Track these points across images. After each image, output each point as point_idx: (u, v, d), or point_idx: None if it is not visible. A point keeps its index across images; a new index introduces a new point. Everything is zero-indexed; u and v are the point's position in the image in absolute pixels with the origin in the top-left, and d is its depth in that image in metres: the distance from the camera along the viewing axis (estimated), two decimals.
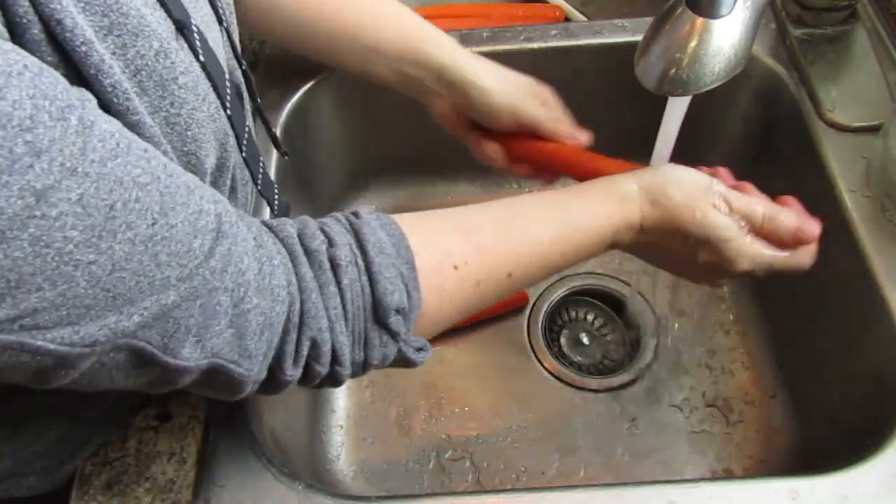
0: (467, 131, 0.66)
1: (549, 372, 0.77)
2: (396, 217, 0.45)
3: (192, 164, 0.41)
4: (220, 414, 0.54)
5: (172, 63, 0.38)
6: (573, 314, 0.82)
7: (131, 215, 0.31)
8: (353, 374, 0.44)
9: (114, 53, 0.35)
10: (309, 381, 0.43)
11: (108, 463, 0.52)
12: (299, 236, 0.42)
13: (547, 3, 0.92)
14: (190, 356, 0.36)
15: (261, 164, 0.53)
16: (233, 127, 0.46)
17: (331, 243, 0.42)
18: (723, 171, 0.57)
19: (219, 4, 0.47)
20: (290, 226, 0.42)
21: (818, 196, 0.67)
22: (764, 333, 0.77)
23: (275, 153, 0.71)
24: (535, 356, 0.78)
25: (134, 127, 0.35)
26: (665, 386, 0.75)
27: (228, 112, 0.44)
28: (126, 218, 0.30)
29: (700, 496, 0.50)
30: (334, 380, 0.43)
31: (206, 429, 0.54)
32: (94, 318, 0.31)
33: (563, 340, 0.80)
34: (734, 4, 0.49)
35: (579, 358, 0.79)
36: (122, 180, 0.30)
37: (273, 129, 0.63)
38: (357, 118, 0.82)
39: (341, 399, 0.76)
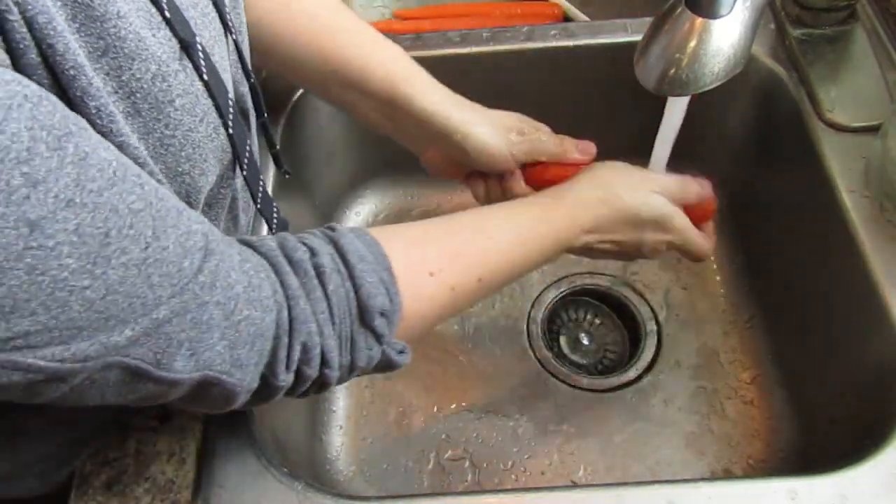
0: (463, 176, 0.64)
1: (549, 372, 0.77)
2: (375, 231, 0.47)
3: (185, 183, 0.42)
4: (220, 414, 0.54)
5: (170, 86, 0.38)
6: (573, 314, 0.82)
7: (125, 241, 0.31)
8: (340, 379, 0.45)
9: (108, 74, 0.35)
10: (299, 387, 0.44)
11: (108, 463, 0.52)
12: (281, 248, 0.43)
13: (547, 1, 0.92)
14: (183, 369, 0.36)
15: (261, 183, 0.53)
16: (234, 146, 0.46)
17: (313, 253, 0.43)
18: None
19: (228, 18, 0.47)
20: (270, 240, 0.44)
21: (817, 196, 0.67)
22: (763, 333, 0.77)
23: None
24: (535, 356, 0.78)
25: (118, 149, 0.35)
26: (664, 386, 0.75)
27: (230, 131, 0.45)
28: (120, 244, 0.31)
29: (699, 496, 0.50)
30: (323, 383, 0.44)
31: (205, 429, 0.54)
32: (86, 338, 0.31)
33: (562, 340, 0.80)
34: (733, 4, 0.49)
35: (579, 358, 0.79)
36: (118, 208, 0.31)
37: (276, 147, 0.63)
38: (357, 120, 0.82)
39: (341, 399, 0.76)
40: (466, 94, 0.83)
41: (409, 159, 0.89)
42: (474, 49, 0.76)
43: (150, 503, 0.50)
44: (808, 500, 0.49)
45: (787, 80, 0.72)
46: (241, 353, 0.39)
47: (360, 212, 0.89)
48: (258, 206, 0.53)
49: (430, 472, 0.71)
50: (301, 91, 0.75)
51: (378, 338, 0.45)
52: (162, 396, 0.38)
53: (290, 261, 0.42)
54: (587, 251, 0.59)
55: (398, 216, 0.89)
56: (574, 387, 0.76)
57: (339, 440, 0.73)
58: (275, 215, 0.56)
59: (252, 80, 0.53)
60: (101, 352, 0.32)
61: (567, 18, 0.91)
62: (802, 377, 0.72)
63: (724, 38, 0.50)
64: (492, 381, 0.77)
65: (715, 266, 0.83)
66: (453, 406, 0.75)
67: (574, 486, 0.69)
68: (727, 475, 0.69)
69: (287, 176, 0.67)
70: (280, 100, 0.74)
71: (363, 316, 0.43)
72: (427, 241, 0.50)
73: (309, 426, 0.72)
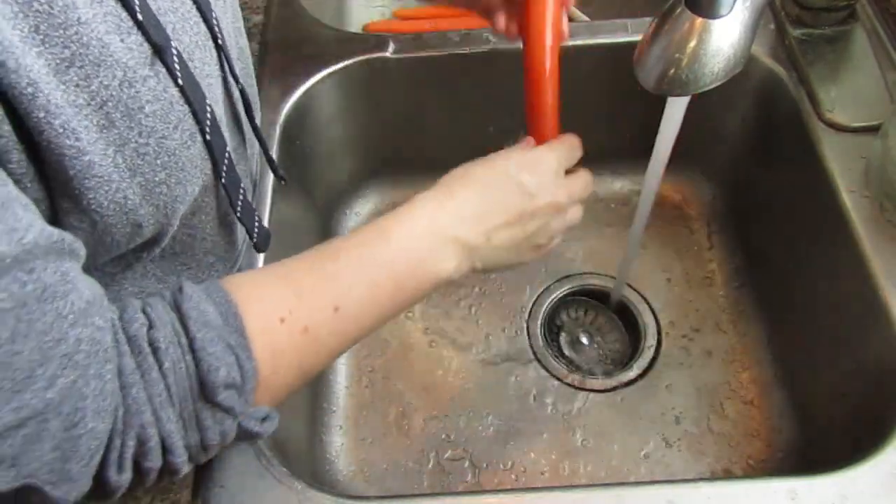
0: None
1: (549, 372, 0.77)
2: (226, 280, 0.43)
3: (163, 194, 0.41)
4: None
5: (138, 92, 0.37)
6: (573, 314, 0.82)
7: None
8: (194, 460, 0.41)
9: (77, 86, 0.34)
10: (145, 480, 0.39)
11: None
12: (120, 321, 0.38)
13: None
14: (2, 478, 0.32)
15: (241, 191, 0.51)
16: (211, 153, 0.44)
17: (151, 325, 0.39)
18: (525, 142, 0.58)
19: (214, 23, 0.46)
20: (108, 311, 0.38)
21: (817, 196, 0.67)
22: (763, 333, 0.77)
23: (276, 151, 0.71)
24: (535, 356, 0.78)
25: (86, 168, 0.35)
26: (664, 386, 0.75)
27: (207, 137, 0.43)
28: None
29: (699, 496, 0.50)
30: (172, 471, 0.40)
31: None
32: None
33: (562, 340, 0.80)
34: (733, 4, 0.49)
35: (579, 358, 0.79)
36: None
37: (270, 153, 0.62)
38: (357, 118, 0.82)
39: (341, 399, 0.76)
40: (466, 94, 0.83)
41: (410, 159, 0.89)
42: (474, 49, 0.76)
43: (150, 503, 0.50)
44: (808, 500, 0.49)
45: (787, 80, 0.72)
46: (73, 466, 0.35)
47: (360, 212, 0.89)
48: (238, 214, 0.52)
49: (430, 472, 0.71)
50: (301, 91, 0.76)
51: (228, 411, 0.40)
52: None
53: (128, 338, 0.38)
54: (476, 252, 0.51)
55: None
56: (574, 387, 0.76)
57: (339, 440, 0.73)
58: (256, 225, 0.55)
59: (240, 86, 0.52)
60: None
61: (568, 20, 0.91)
62: (802, 377, 0.72)
63: (724, 38, 0.50)
64: (492, 381, 0.77)
65: (715, 266, 0.83)
66: (453, 406, 0.75)
67: (574, 486, 0.69)
68: (727, 475, 0.69)
69: (283, 183, 0.67)
70: (280, 100, 0.74)
71: (205, 392, 0.39)
72: (275, 282, 0.45)
73: (309, 426, 0.72)
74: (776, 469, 0.69)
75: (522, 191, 0.52)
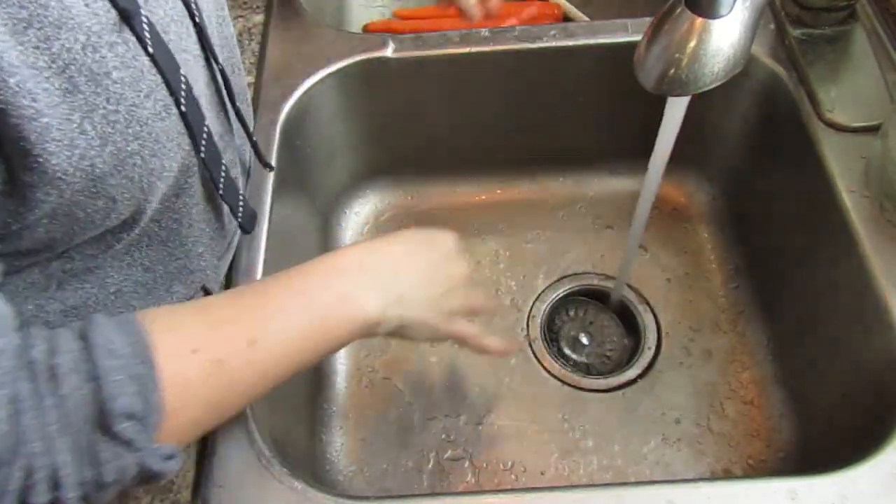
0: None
1: (549, 372, 0.77)
2: (141, 312, 0.42)
3: (137, 165, 0.40)
4: None
5: (104, 57, 0.37)
6: (572, 314, 0.82)
7: None
8: (88, 498, 0.38)
9: (37, 48, 0.34)
10: None
11: None
12: (23, 345, 0.37)
13: (546, 1, 0.92)
14: None
15: (223, 168, 0.50)
16: (188, 126, 0.44)
17: (52, 351, 0.37)
18: None
19: (190, 1, 0.46)
20: (12, 333, 0.37)
21: (817, 196, 0.67)
22: (763, 333, 0.77)
23: (275, 151, 0.71)
24: (535, 356, 0.78)
25: (44, 131, 0.34)
26: (664, 386, 0.75)
27: (182, 109, 0.42)
28: None
29: (699, 496, 0.50)
30: None
31: None
32: None
33: (562, 340, 0.80)
34: (733, 4, 0.49)
35: (578, 357, 0.79)
36: None
37: (254, 138, 0.61)
38: (358, 118, 0.82)
39: (341, 399, 0.76)
40: (466, 93, 0.83)
41: (410, 159, 0.89)
42: (474, 49, 0.76)
43: (150, 503, 0.50)
44: (807, 500, 0.49)
45: (787, 80, 0.72)
46: None
47: (359, 212, 0.89)
48: (220, 192, 0.51)
49: (429, 472, 0.71)
50: (301, 91, 0.76)
51: (127, 444, 0.37)
52: None
53: (28, 362, 0.36)
54: (401, 299, 0.50)
55: (398, 216, 0.89)
56: (574, 387, 0.76)
57: (339, 440, 0.73)
58: (241, 204, 0.54)
59: (220, 66, 0.51)
60: None
61: (567, 18, 0.91)
62: (802, 377, 0.72)
63: (724, 38, 0.50)
64: (492, 381, 0.77)
65: (715, 266, 0.83)
66: (453, 406, 0.75)
67: (574, 486, 0.69)
68: (727, 475, 0.69)
69: (270, 170, 0.66)
70: (280, 100, 0.74)
71: (103, 421, 0.36)
72: (192, 314, 0.44)
73: (309, 426, 0.72)
74: (776, 469, 0.69)
75: (439, 256, 0.54)
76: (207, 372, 0.41)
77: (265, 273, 0.62)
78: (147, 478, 0.40)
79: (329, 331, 0.47)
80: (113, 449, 0.37)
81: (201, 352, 0.41)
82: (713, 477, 0.69)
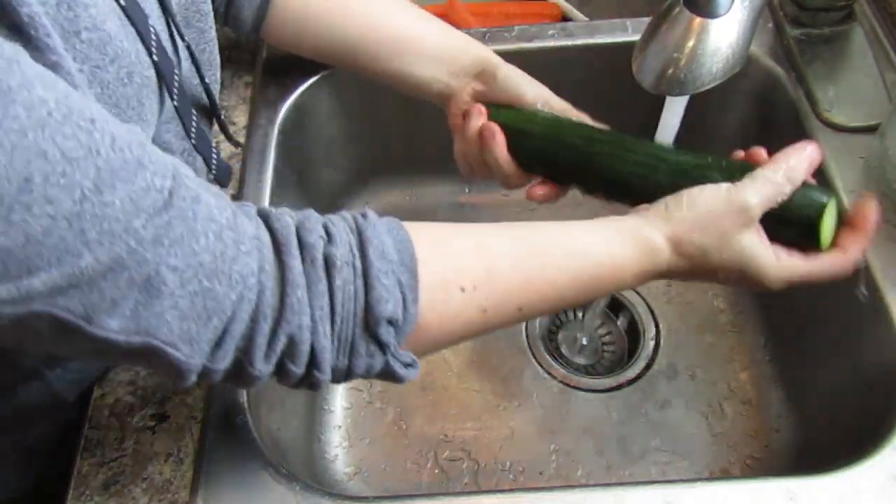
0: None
1: (548, 372, 0.77)
2: (410, 224, 0.43)
3: (132, 108, 0.40)
4: (218, 414, 0.54)
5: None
6: (572, 314, 0.82)
7: (53, 190, 0.29)
8: (335, 381, 0.42)
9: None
10: (284, 381, 0.41)
11: (105, 463, 0.52)
12: (297, 227, 0.39)
13: (545, 1, 0.92)
14: (119, 329, 0.33)
15: (194, 117, 0.50)
16: (158, 72, 0.43)
17: (330, 240, 0.39)
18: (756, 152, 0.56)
19: None
20: (288, 216, 0.40)
21: None
22: (762, 333, 0.77)
23: (273, 150, 0.71)
24: (534, 356, 0.78)
25: (54, 68, 0.34)
26: (663, 386, 0.75)
27: (154, 58, 0.42)
28: (46, 192, 0.28)
29: (698, 496, 0.50)
30: (311, 384, 0.41)
31: (203, 429, 0.54)
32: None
33: (561, 340, 0.80)
34: (732, 4, 0.49)
35: (577, 358, 0.79)
36: (46, 153, 0.28)
37: (220, 114, 0.60)
38: (356, 117, 0.82)
39: (339, 399, 0.76)
40: None
41: (410, 158, 0.89)
42: None
43: (148, 503, 0.50)
44: (807, 500, 0.49)
45: (786, 79, 0.72)
46: (191, 326, 0.35)
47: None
48: (192, 140, 0.50)
49: (429, 472, 0.71)
50: (302, 88, 0.75)
51: (382, 347, 0.40)
52: (103, 354, 0.35)
53: (302, 244, 0.38)
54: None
55: (398, 216, 0.89)
56: (573, 387, 0.76)
57: (337, 440, 0.73)
58: (214, 157, 0.54)
59: (186, 43, 0.51)
60: (17, 296, 0.30)
61: (565, 18, 0.91)
62: (802, 377, 0.72)
63: (723, 38, 0.50)
64: (491, 381, 0.76)
65: None
66: (452, 406, 0.75)
67: (573, 486, 0.69)
68: (725, 475, 0.69)
69: (238, 147, 0.66)
70: (278, 100, 0.74)
71: (368, 320, 0.39)
72: (468, 251, 0.45)
73: (307, 426, 0.72)
74: (774, 469, 0.69)
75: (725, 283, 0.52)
76: (468, 313, 0.43)
77: None
78: (387, 378, 0.43)
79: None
80: (369, 347, 0.40)
81: (469, 293, 0.43)
82: (711, 477, 0.69)
